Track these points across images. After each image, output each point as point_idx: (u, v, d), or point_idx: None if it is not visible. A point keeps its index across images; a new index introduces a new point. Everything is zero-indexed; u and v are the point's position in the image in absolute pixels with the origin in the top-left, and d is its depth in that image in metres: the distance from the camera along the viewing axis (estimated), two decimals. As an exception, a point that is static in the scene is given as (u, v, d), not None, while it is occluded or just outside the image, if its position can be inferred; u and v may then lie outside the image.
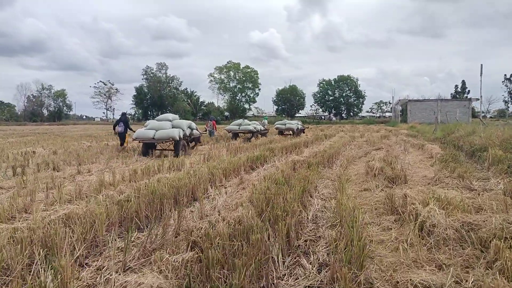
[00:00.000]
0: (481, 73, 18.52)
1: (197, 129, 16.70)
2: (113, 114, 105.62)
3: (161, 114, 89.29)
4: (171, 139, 14.00)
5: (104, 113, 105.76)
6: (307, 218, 5.60)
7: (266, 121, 35.42)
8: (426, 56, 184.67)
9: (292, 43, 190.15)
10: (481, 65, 18.35)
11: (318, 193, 7.45)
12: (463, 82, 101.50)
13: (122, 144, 15.99)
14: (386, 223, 5.35)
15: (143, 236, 4.51)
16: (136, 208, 5.18)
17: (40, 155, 13.10)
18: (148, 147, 14.60)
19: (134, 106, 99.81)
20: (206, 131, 22.51)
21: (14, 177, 9.03)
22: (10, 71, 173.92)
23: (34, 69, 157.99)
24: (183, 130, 14.74)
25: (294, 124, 29.10)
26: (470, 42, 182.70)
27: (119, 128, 15.96)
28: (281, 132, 29.36)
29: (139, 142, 14.60)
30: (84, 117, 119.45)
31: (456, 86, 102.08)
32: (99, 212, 4.46)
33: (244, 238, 3.94)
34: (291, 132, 29.12)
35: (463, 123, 22.32)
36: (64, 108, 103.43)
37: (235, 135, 24.02)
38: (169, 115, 15.86)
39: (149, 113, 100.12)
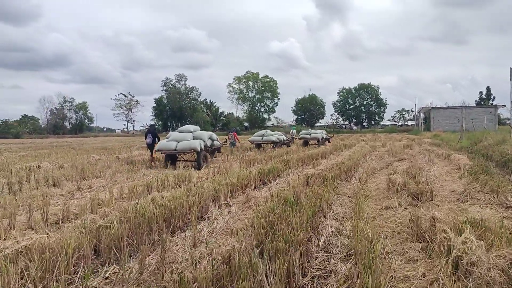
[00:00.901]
0: (511, 77, 17.37)
1: (218, 140, 16.85)
2: (133, 126, 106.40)
3: (180, 125, 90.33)
4: (192, 150, 14.15)
5: (124, 125, 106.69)
6: (318, 245, 4.80)
7: (294, 131, 34.94)
8: (449, 63, 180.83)
9: (312, 52, 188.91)
10: (511, 68, 17.25)
11: (333, 212, 6.64)
12: (488, 89, 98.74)
13: (151, 155, 15.98)
14: (411, 253, 4.51)
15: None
16: (117, 235, 4.48)
17: (45, 169, 12.62)
18: (171, 158, 14.71)
19: (154, 117, 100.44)
20: (226, 141, 22.31)
21: (9, 195, 8.48)
22: (35, 84, 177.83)
23: (58, 82, 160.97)
24: (204, 141, 14.91)
25: (319, 133, 28.69)
26: (494, 48, 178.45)
27: (148, 140, 16.05)
28: (306, 142, 28.67)
29: (161, 154, 14.78)
30: (105, 129, 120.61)
31: (481, 93, 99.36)
32: (65, 244, 3.77)
33: (231, 281, 3.18)
34: (316, 141, 28.59)
35: (491, 131, 21.08)
36: (86, 120, 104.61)
37: (258, 145, 24.04)
38: (191, 127, 16.04)
39: (169, 124, 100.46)
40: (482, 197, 7.75)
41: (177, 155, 14.92)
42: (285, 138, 25.61)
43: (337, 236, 5.23)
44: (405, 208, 6.87)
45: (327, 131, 75.96)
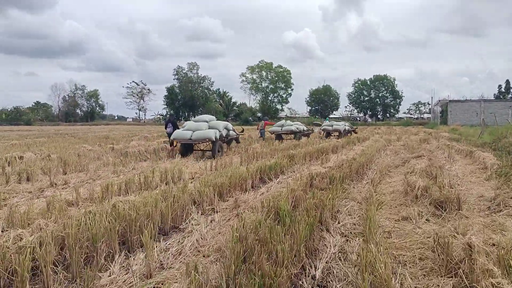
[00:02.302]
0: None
1: (234, 130, 16.94)
2: (144, 114, 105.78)
3: (192, 114, 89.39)
4: (207, 139, 14.24)
5: (136, 113, 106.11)
6: (313, 277, 3.62)
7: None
8: (466, 56, 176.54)
9: (328, 43, 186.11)
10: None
11: (338, 223, 5.44)
12: (507, 82, 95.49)
13: (171, 144, 16.12)
14: (439, 294, 3.31)
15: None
16: (40, 260, 3.35)
17: (28, 160, 11.59)
18: (186, 148, 14.93)
19: (166, 106, 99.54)
20: (242, 131, 21.75)
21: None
22: (50, 72, 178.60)
23: (73, 70, 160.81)
24: (220, 131, 14.90)
25: (342, 125, 28.46)
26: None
27: (168, 129, 16.54)
28: (328, 134, 28.27)
29: (177, 142, 15.03)
30: (116, 117, 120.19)
31: (500, 86, 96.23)
32: None
33: None
34: (337, 133, 28.22)
35: (517, 126, 19.53)
36: (97, 108, 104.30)
37: (279, 136, 23.87)
38: (206, 116, 16.08)
39: (181, 113, 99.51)
40: (518, 205, 6.48)
41: (193, 144, 15.18)
42: (305, 128, 25.30)
43: (340, 261, 4.03)
44: (426, 219, 5.63)
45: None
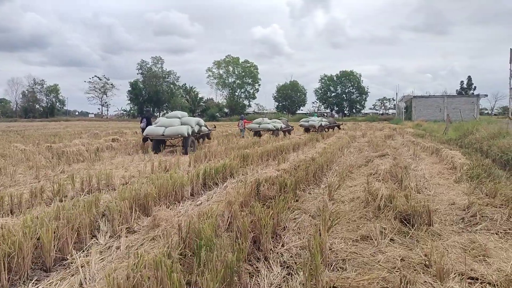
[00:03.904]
0: (511, 60, 15.06)
1: (206, 126, 17.43)
2: (107, 110, 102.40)
3: (157, 110, 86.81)
4: (179, 135, 14.48)
5: (99, 109, 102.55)
6: None
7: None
8: (430, 53, 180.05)
9: (295, 40, 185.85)
10: (511, 49, 14.94)
11: (283, 246, 4.30)
12: (469, 78, 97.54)
13: (144, 140, 16.06)
14: None
15: None
16: None
17: None
18: (159, 144, 14.96)
19: (129, 102, 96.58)
20: (215, 127, 22.13)
21: None
22: (11, 66, 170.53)
23: (35, 64, 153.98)
24: (192, 127, 15.20)
25: (317, 121, 30.14)
26: (474, 39, 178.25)
27: (142, 124, 16.68)
28: (307, 129, 30.19)
29: (150, 139, 15.17)
30: (77, 113, 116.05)
31: (462, 82, 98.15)
32: None
33: None
34: (315, 129, 29.65)
35: (483, 122, 18.95)
36: (57, 103, 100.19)
37: (257, 133, 24.53)
38: (178, 113, 16.34)
39: (145, 109, 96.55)
40: (497, 216, 5.51)
41: (165, 140, 15.37)
42: (283, 126, 25.95)
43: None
44: (391, 240, 4.54)
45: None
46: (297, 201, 6.50)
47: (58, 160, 11.19)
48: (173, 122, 14.95)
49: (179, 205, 6.29)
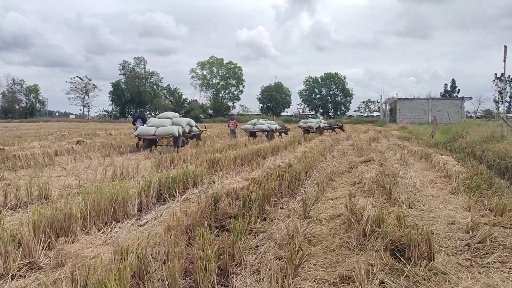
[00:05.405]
0: (505, 58, 14.09)
1: (196, 127, 17.73)
2: (88, 111, 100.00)
3: (139, 111, 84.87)
4: (170, 135, 14.97)
5: (80, 109, 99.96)
6: None
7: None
8: (412, 57, 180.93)
9: (281, 42, 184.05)
10: (505, 47, 13.95)
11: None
12: (453, 81, 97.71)
13: (140, 140, 16.16)
14: None
15: None
16: None
17: None
18: (150, 143, 15.35)
19: (111, 103, 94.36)
20: (205, 128, 21.81)
21: None
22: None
23: (17, 65, 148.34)
24: (183, 127, 15.68)
25: (315, 122, 29.43)
26: (456, 44, 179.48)
27: (138, 125, 16.79)
28: (306, 131, 28.87)
29: (141, 138, 15.47)
30: (57, 113, 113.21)
31: (446, 85, 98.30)
32: None
33: None
34: (313, 130, 29.00)
35: (473, 125, 17.96)
36: (37, 104, 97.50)
37: (253, 134, 24.21)
38: (170, 113, 16.95)
39: (128, 110, 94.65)
40: (508, 239, 4.42)
41: (157, 139, 15.75)
42: (278, 127, 25.45)
43: None
44: (381, 283, 3.37)
45: (293, 120, 73.08)
46: (264, 219, 5.31)
47: (2, 165, 9.82)
48: (164, 122, 15.43)
49: (117, 225, 5.04)
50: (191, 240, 4.04)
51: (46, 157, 11.52)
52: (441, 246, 4.38)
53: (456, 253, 4.19)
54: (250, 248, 4.12)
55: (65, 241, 4.03)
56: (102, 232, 4.69)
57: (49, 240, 4.09)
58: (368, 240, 4.14)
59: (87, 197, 5.15)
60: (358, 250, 4.03)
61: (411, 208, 6.19)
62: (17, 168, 9.81)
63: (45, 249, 3.97)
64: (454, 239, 4.66)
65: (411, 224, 4.93)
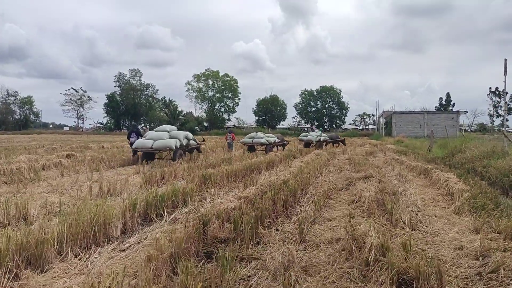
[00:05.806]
0: (505, 72, 13.82)
1: (194, 140, 17.72)
2: (83, 123, 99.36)
3: (133, 125, 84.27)
4: (168, 148, 15.00)
5: (75, 121, 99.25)
6: None
7: (319, 133, 31.87)
8: (407, 71, 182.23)
9: (277, 55, 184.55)
10: (505, 60, 13.71)
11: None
12: (448, 95, 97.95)
13: (134, 154, 16.43)
14: None
15: None
16: None
17: None
18: (148, 156, 15.32)
19: (106, 115, 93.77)
20: (203, 141, 21.21)
21: None
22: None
23: (13, 76, 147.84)
24: (180, 140, 15.71)
25: (314, 136, 29.38)
26: (450, 57, 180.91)
27: (133, 139, 16.50)
28: (307, 145, 29.05)
29: (139, 152, 15.54)
30: (51, 125, 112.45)
31: (441, 99, 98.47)
32: None
33: None
34: (314, 144, 28.90)
35: (471, 140, 17.64)
36: (31, 116, 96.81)
37: (251, 148, 23.94)
38: (167, 127, 16.90)
39: (122, 122, 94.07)
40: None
41: (154, 153, 15.73)
42: (277, 140, 25.50)
43: None
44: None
45: (288, 133, 72.84)
46: (257, 243, 4.91)
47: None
48: (161, 136, 15.41)
49: (96, 250, 4.62)
50: (175, 270, 3.64)
51: (31, 172, 11.07)
52: (450, 276, 4.00)
53: (467, 284, 3.81)
54: (241, 279, 3.72)
55: (34, 271, 3.62)
56: (80, 259, 4.27)
57: (16, 270, 3.67)
58: (372, 271, 3.75)
59: (66, 219, 4.73)
60: (361, 282, 3.64)
61: (414, 230, 5.81)
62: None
63: (11, 280, 3.55)
64: (464, 267, 4.28)
65: (416, 249, 4.57)
